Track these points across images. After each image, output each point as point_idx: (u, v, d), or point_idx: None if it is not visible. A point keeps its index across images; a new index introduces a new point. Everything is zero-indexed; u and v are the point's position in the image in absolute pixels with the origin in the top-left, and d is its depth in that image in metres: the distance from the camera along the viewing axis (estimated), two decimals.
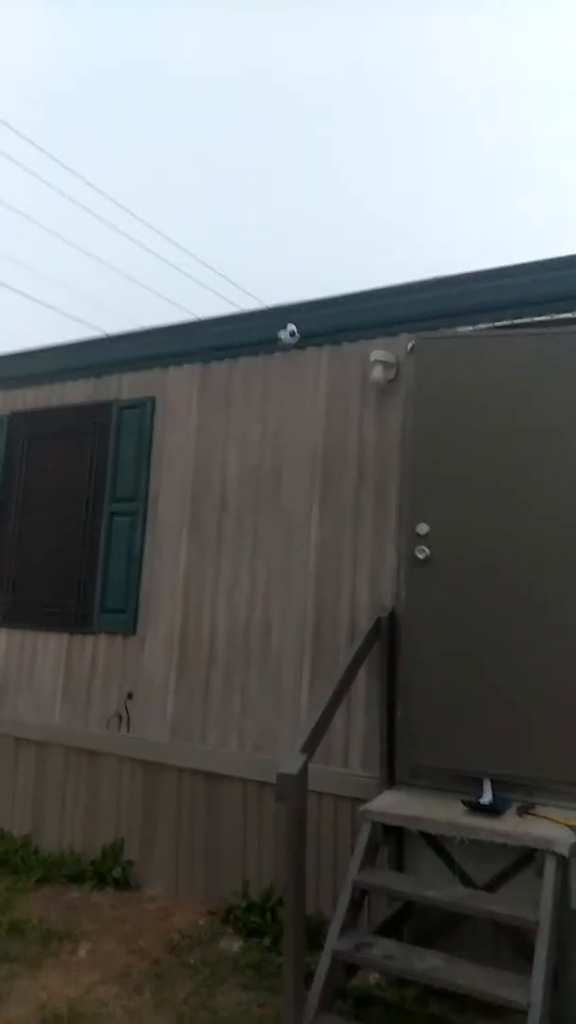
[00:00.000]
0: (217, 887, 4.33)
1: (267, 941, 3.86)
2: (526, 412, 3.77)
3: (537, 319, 3.94)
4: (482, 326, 4.10)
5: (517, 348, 3.86)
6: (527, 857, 3.28)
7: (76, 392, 5.52)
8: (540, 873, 3.07)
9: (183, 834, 4.52)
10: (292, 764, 3.03)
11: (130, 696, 4.88)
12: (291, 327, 4.56)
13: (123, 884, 4.57)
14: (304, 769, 3.05)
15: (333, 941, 3.15)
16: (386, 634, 3.92)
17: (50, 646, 5.29)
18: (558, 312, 3.91)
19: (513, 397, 3.82)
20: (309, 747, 3.18)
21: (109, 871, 4.61)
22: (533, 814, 3.36)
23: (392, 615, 3.98)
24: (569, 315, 3.87)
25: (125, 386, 5.30)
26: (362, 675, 3.89)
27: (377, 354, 4.24)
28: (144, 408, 5.17)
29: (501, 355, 3.89)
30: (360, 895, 3.33)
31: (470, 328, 4.12)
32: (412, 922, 3.65)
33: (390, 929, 3.49)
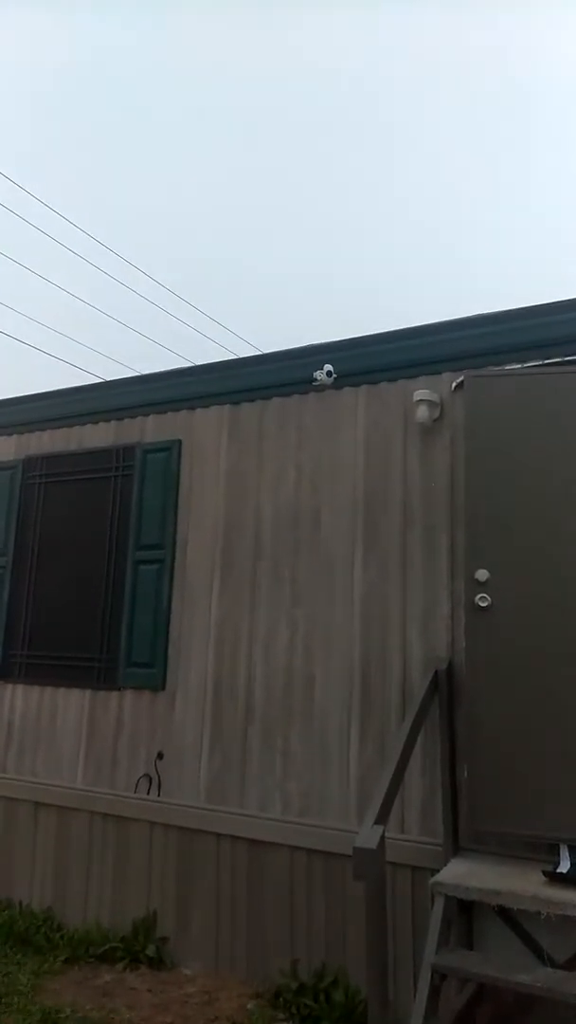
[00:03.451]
0: (262, 966, 4.01)
1: None
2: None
3: None
4: (531, 364, 3.96)
5: (574, 385, 3.71)
6: None
7: (96, 435, 5.32)
8: None
9: (223, 907, 4.21)
10: (369, 838, 2.77)
11: (160, 756, 4.59)
12: (328, 367, 4.41)
13: (157, 963, 4.23)
14: (382, 842, 2.79)
15: None
16: (444, 688, 3.69)
17: (71, 703, 5.00)
18: None
19: (572, 435, 3.66)
20: (383, 817, 2.92)
21: (142, 949, 4.27)
22: None
23: (449, 667, 3.75)
24: None
25: (149, 428, 5.10)
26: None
27: (421, 393, 4.08)
28: (170, 451, 4.96)
29: (558, 392, 3.74)
30: (440, 979, 3.05)
31: (519, 366, 3.97)
32: (485, 1007, 3.36)
33: (467, 1017, 3.20)
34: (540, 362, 3.94)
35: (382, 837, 2.79)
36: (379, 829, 2.82)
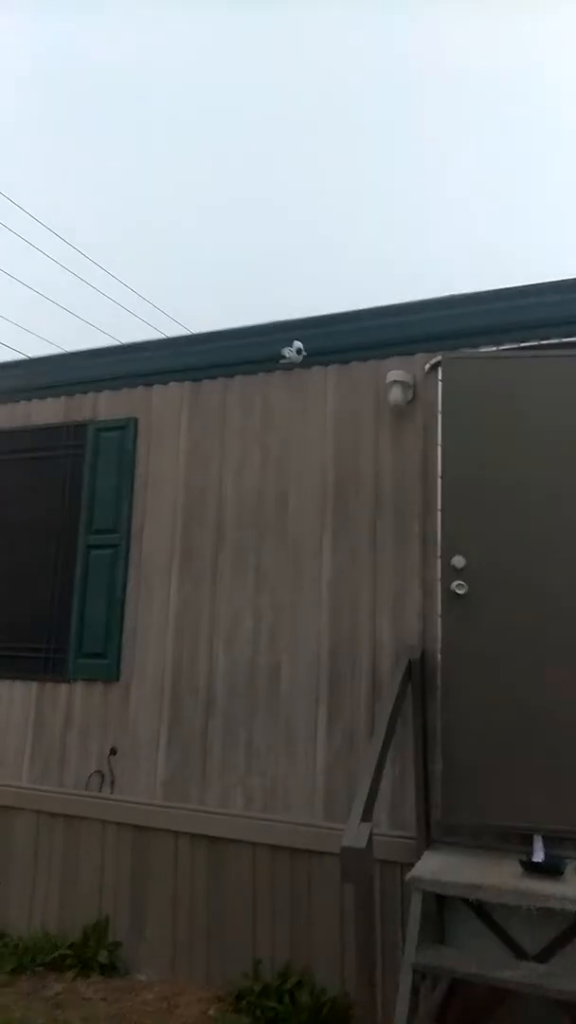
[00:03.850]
0: (222, 969, 3.84)
1: None
2: (566, 436, 3.55)
3: (568, 340, 3.74)
4: (506, 346, 3.88)
5: (554, 370, 3.64)
6: None
7: (44, 411, 5.00)
8: None
9: (180, 909, 4.01)
10: (358, 837, 2.63)
11: (113, 752, 4.35)
12: (297, 344, 4.23)
13: (111, 970, 4.01)
14: (370, 841, 2.65)
15: None
16: (418, 678, 3.58)
17: (15, 696, 4.70)
18: None
19: (550, 420, 3.59)
20: (368, 814, 2.78)
21: (93, 956, 4.04)
22: None
23: (422, 656, 3.65)
24: None
25: (102, 405, 4.82)
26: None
27: (395, 374, 3.95)
28: (124, 429, 4.70)
29: (535, 376, 3.66)
30: (420, 978, 2.94)
31: (494, 348, 3.89)
32: (456, 1002, 3.27)
33: (441, 1013, 3.11)
34: (515, 345, 3.86)
35: (370, 836, 2.66)
36: (367, 827, 2.68)
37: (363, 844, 2.59)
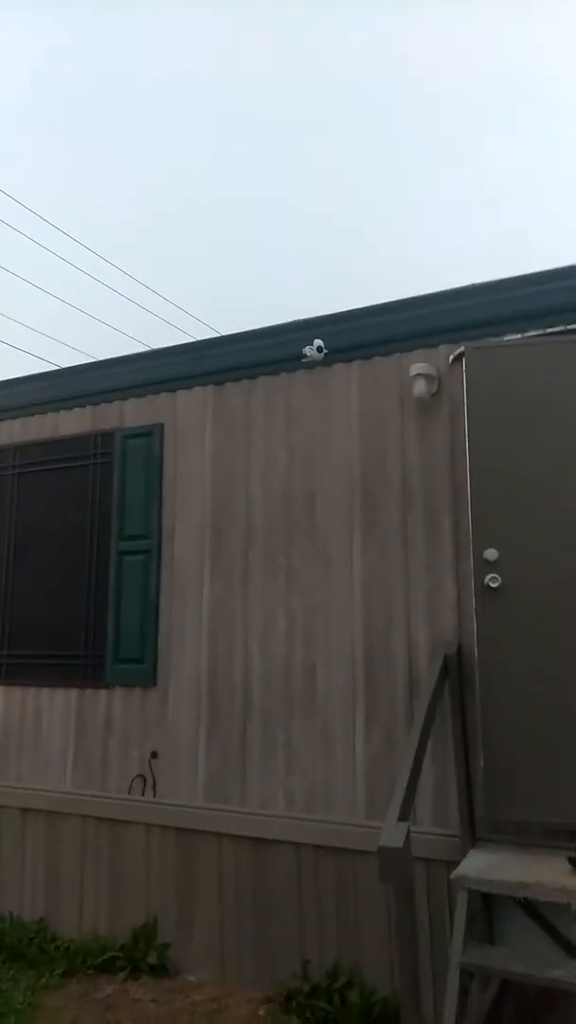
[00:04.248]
0: (270, 969, 3.85)
1: None
2: None
3: None
4: (532, 333, 3.81)
5: None
6: None
7: (72, 422, 5.05)
8: None
9: (227, 910, 4.04)
10: (394, 836, 2.61)
11: (154, 755, 4.38)
12: (318, 342, 4.21)
13: (160, 971, 4.05)
14: (408, 840, 2.63)
15: None
16: (455, 673, 3.54)
17: (56, 703, 4.76)
18: None
19: (574, 407, 3.52)
20: (406, 813, 2.76)
21: (143, 957, 4.08)
22: None
23: (458, 652, 3.61)
24: None
25: (128, 413, 4.85)
26: None
27: (419, 367, 3.91)
28: (151, 436, 4.73)
29: (561, 362, 3.59)
30: (468, 979, 2.92)
31: (519, 336, 3.82)
32: (508, 1003, 3.24)
33: (493, 1014, 3.08)
34: (541, 332, 3.79)
35: (407, 835, 2.64)
36: (404, 826, 2.66)
37: (400, 843, 2.57)
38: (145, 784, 4.37)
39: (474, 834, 3.46)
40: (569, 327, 3.74)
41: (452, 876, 3.13)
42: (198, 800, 4.20)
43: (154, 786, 4.35)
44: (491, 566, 3.48)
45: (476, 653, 3.50)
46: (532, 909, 3.22)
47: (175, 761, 4.32)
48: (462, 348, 3.84)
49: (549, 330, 3.77)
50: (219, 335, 4.77)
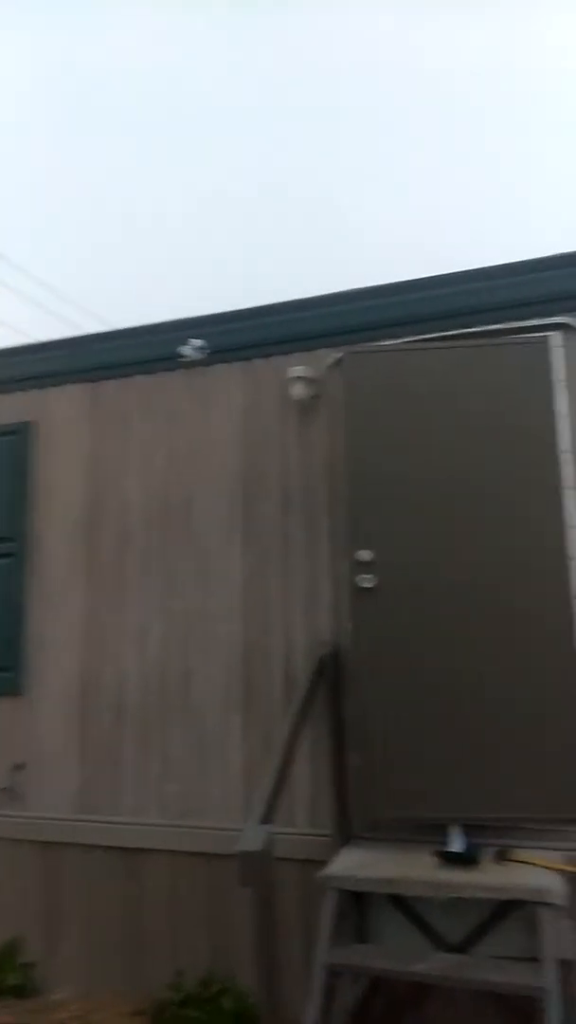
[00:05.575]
0: (142, 980, 3.75)
1: None
2: (462, 427, 3.60)
3: (466, 331, 3.79)
4: (407, 339, 3.90)
5: (451, 361, 3.68)
6: (504, 908, 3.03)
7: None
8: (532, 927, 2.83)
9: (96, 924, 3.90)
10: (253, 839, 2.59)
11: (19, 767, 4.18)
12: (196, 342, 4.15)
13: (23, 991, 3.86)
14: (270, 843, 2.62)
15: None
16: (331, 674, 3.58)
17: None
18: (484, 324, 3.79)
19: (445, 411, 3.63)
20: (268, 815, 2.75)
21: (4, 979, 3.88)
22: (512, 860, 3.12)
23: (336, 652, 3.64)
24: (498, 326, 3.75)
25: None
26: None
27: (297, 370, 3.93)
28: (19, 434, 4.52)
29: (434, 368, 3.70)
30: (334, 977, 2.94)
31: (397, 341, 3.91)
32: (378, 999, 3.29)
33: (362, 1011, 3.12)
34: (417, 337, 3.89)
35: (269, 838, 2.62)
36: (264, 829, 2.65)
37: (259, 847, 2.56)
38: (10, 797, 4.16)
39: (349, 833, 3.50)
40: (444, 334, 3.86)
41: (320, 875, 3.14)
42: (67, 812, 4.05)
43: (20, 799, 4.15)
44: (365, 567, 3.53)
45: (350, 653, 3.55)
46: (403, 905, 3.28)
47: (43, 772, 4.14)
48: (341, 353, 3.89)
49: (424, 336, 3.88)
50: (94, 332, 4.62)
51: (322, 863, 3.42)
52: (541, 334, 3.62)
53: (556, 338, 3.61)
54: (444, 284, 3.93)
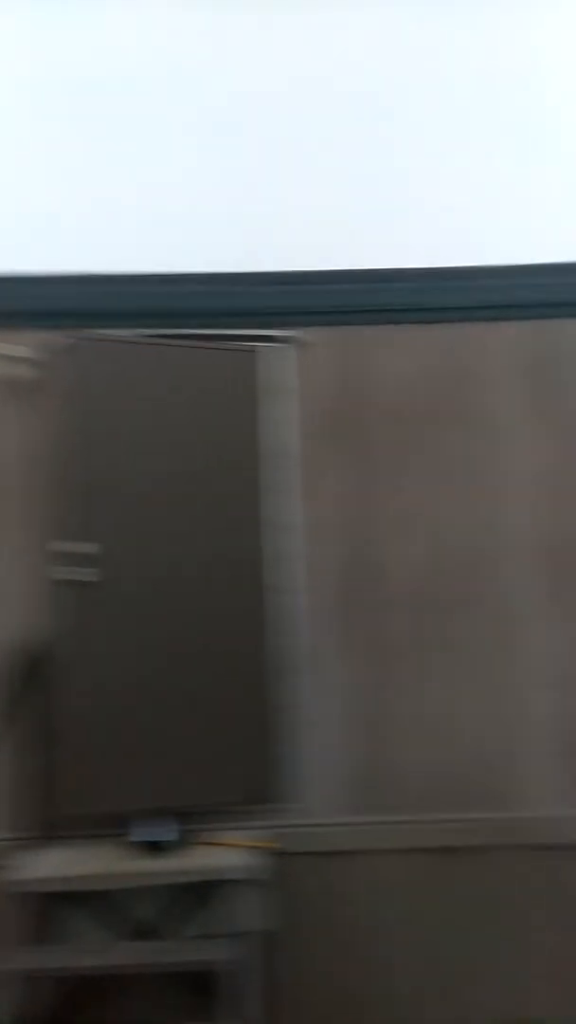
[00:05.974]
0: None
1: None
2: (180, 426, 3.66)
3: (200, 332, 3.82)
4: (141, 332, 3.85)
5: (176, 361, 3.71)
6: (203, 889, 3.11)
7: None
8: (223, 904, 2.94)
9: None
10: None
11: None
12: None
13: None
14: None
15: None
16: (36, 672, 3.45)
17: None
18: (222, 327, 3.84)
19: (169, 409, 3.67)
20: None
21: None
22: (206, 843, 3.23)
23: (43, 648, 3.52)
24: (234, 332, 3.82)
25: None
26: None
27: (20, 350, 3.73)
28: None
29: (166, 364, 3.71)
30: (28, 985, 2.85)
31: (128, 332, 3.83)
32: (45, 999, 3.21)
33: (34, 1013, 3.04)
34: (149, 332, 3.85)
35: None
36: None
37: None
38: None
39: (49, 834, 3.41)
40: (181, 331, 3.84)
41: (2, 881, 3.03)
42: None
43: None
44: (77, 560, 3.45)
45: (57, 649, 3.45)
46: (87, 901, 3.23)
47: None
48: (71, 339, 3.73)
49: (156, 331, 3.84)
50: None
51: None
52: (252, 344, 3.79)
53: (265, 350, 3.78)
54: (183, 281, 3.92)
